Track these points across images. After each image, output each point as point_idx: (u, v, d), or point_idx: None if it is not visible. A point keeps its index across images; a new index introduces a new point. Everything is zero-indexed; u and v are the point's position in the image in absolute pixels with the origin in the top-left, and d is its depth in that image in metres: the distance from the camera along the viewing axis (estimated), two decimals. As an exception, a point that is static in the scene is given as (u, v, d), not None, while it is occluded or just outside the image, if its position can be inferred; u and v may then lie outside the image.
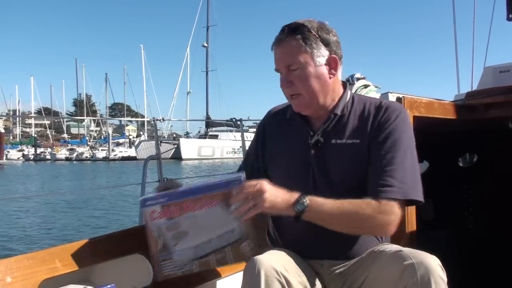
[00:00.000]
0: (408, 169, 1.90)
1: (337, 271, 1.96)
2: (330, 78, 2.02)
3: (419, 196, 1.91)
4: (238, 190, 1.82)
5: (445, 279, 1.69)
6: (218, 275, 2.40)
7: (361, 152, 1.96)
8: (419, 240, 2.50)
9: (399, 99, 2.64)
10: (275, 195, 1.81)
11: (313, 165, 2.01)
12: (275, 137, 2.18)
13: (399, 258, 1.73)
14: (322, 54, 1.98)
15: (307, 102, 2.01)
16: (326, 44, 1.99)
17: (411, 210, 2.48)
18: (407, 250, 1.76)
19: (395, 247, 1.87)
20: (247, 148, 4.52)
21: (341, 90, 2.08)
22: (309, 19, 2.02)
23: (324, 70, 2.00)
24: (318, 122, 2.07)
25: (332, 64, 2.01)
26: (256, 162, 2.23)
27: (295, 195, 1.82)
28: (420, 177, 1.95)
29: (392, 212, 1.85)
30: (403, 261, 1.70)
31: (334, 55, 2.01)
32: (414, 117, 2.57)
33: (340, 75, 2.08)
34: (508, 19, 4.45)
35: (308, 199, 1.81)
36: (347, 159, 1.97)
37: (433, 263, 1.68)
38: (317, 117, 2.07)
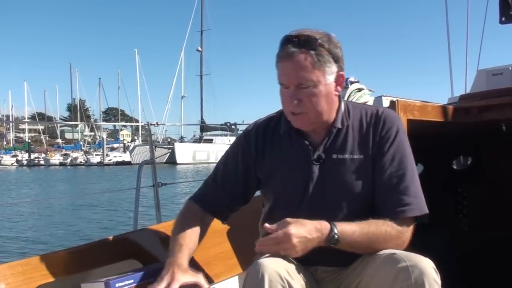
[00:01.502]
0: (416, 183, 1.92)
1: (331, 275, 1.96)
2: (335, 95, 1.97)
3: (427, 209, 1.93)
4: (264, 242, 1.78)
5: (439, 281, 1.69)
6: (210, 280, 2.39)
7: (365, 168, 1.93)
8: (413, 243, 2.50)
9: (392, 103, 2.64)
10: (305, 241, 1.75)
11: (314, 181, 1.96)
12: (268, 153, 2.07)
13: (393, 261, 1.72)
14: (332, 71, 1.91)
15: (311, 121, 1.94)
16: (336, 60, 1.91)
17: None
18: (401, 253, 1.76)
19: (389, 250, 1.87)
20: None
21: (338, 101, 2.02)
22: (316, 30, 1.91)
23: (332, 87, 1.93)
24: (317, 136, 2.01)
25: (339, 81, 1.95)
26: (235, 188, 2.10)
27: (324, 232, 1.77)
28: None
29: (409, 229, 1.89)
30: (397, 264, 1.70)
31: (342, 72, 1.95)
32: (408, 120, 2.58)
33: None
34: (501, 22, 4.48)
35: (338, 233, 1.77)
36: (351, 175, 1.94)
37: (427, 266, 1.68)
38: (315, 132, 2.01)
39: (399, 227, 1.85)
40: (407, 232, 1.88)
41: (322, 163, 1.97)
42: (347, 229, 1.79)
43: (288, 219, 1.76)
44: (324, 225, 1.77)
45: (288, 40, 1.89)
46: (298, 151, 2.01)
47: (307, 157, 1.99)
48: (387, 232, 1.83)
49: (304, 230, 1.74)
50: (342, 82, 1.97)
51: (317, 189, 1.96)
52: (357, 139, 1.97)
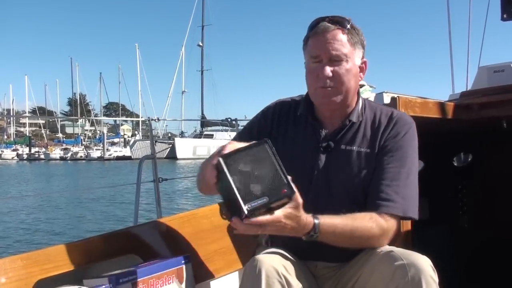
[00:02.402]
0: (410, 186, 1.92)
1: (331, 271, 1.96)
2: (359, 80, 2.01)
3: (416, 214, 1.92)
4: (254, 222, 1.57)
5: (436, 279, 1.68)
6: (211, 276, 2.39)
7: (370, 162, 1.95)
8: (413, 240, 2.51)
9: (393, 99, 2.64)
10: (282, 231, 1.66)
11: (319, 168, 1.98)
12: (283, 132, 2.09)
13: (390, 258, 1.72)
14: (359, 55, 1.97)
15: (336, 97, 1.95)
16: (363, 46, 1.98)
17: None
18: (398, 250, 1.76)
19: (387, 247, 1.86)
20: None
21: (357, 94, 2.06)
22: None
23: (358, 71, 1.98)
24: (330, 125, 2.03)
25: (362, 67, 2.00)
26: None
27: (306, 229, 1.70)
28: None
29: (392, 228, 1.86)
30: (394, 261, 1.70)
31: (365, 59, 2.01)
32: (409, 117, 2.58)
33: None
34: (503, 19, 4.47)
35: (319, 230, 1.72)
36: (355, 166, 1.95)
37: (424, 264, 1.68)
38: (330, 119, 2.03)
39: (383, 225, 1.84)
40: (391, 231, 1.86)
41: (329, 152, 1.99)
42: (329, 225, 1.74)
43: (296, 207, 1.64)
44: (309, 223, 1.70)
45: (321, 19, 1.94)
46: (309, 136, 2.03)
47: (317, 144, 2.01)
48: (372, 229, 1.81)
49: (291, 224, 1.65)
50: (365, 70, 2.02)
51: (322, 177, 1.97)
52: (367, 135, 2.00)
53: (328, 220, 1.76)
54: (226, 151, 1.64)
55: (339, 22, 1.92)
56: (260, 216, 1.58)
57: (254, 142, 1.64)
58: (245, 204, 1.56)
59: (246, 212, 1.55)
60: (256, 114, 2.21)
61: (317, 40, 1.93)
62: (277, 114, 2.12)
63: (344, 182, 1.95)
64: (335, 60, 1.91)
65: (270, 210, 1.60)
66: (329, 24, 1.91)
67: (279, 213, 1.60)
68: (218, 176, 1.62)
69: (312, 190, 1.96)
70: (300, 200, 1.63)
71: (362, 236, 1.80)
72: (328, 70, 1.91)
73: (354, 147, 1.98)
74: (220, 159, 1.60)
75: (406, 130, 1.99)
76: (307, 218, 1.71)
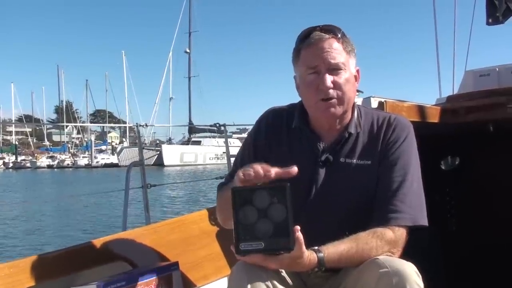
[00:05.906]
0: (416, 193, 1.88)
1: (317, 276, 1.90)
2: (355, 90, 1.98)
3: (425, 221, 1.89)
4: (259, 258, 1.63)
5: (422, 285, 1.66)
6: (199, 282, 2.38)
7: (372, 174, 1.90)
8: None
9: (381, 104, 2.65)
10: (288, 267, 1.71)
11: (318, 183, 1.92)
12: (277, 147, 2.00)
13: (375, 265, 1.69)
14: (354, 63, 1.94)
15: (339, 108, 1.89)
16: (355, 54, 1.95)
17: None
18: (383, 257, 1.72)
19: None
20: (231, 152, 4.48)
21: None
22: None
23: (354, 79, 1.95)
24: (328, 137, 1.96)
25: (356, 76, 1.97)
26: None
27: (310, 266, 1.68)
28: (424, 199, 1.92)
29: (401, 238, 1.83)
30: (378, 268, 1.67)
31: (358, 68, 1.98)
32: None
33: None
34: (488, 23, 4.52)
35: (324, 263, 1.70)
36: (358, 180, 1.90)
37: (409, 270, 1.65)
38: (328, 132, 1.97)
39: (391, 237, 1.80)
40: (400, 241, 1.82)
41: (328, 167, 1.93)
42: (333, 254, 1.71)
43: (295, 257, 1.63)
44: (313, 261, 1.68)
45: (313, 30, 1.90)
46: (306, 150, 1.97)
47: (315, 158, 1.95)
48: (378, 246, 1.76)
49: (290, 265, 1.67)
50: (358, 78, 1.98)
51: (321, 192, 1.91)
52: (366, 145, 1.94)
53: (332, 250, 1.72)
54: (243, 178, 1.64)
55: (331, 30, 1.89)
56: (254, 255, 1.60)
57: (275, 183, 1.63)
58: (240, 242, 1.56)
59: (238, 251, 1.57)
60: (252, 127, 2.14)
61: (312, 50, 1.88)
62: (270, 126, 2.05)
63: (345, 197, 1.90)
64: (334, 69, 1.87)
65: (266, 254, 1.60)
66: (323, 33, 1.87)
67: (273, 260, 1.62)
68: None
69: (310, 206, 1.91)
70: (300, 252, 1.61)
71: (370, 256, 1.75)
72: (329, 80, 1.86)
73: (354, 160, 1.92)
74: (232, 191, 1.59)
75: (406, 134, 1.95)
76: (310, 256, 1.67)
